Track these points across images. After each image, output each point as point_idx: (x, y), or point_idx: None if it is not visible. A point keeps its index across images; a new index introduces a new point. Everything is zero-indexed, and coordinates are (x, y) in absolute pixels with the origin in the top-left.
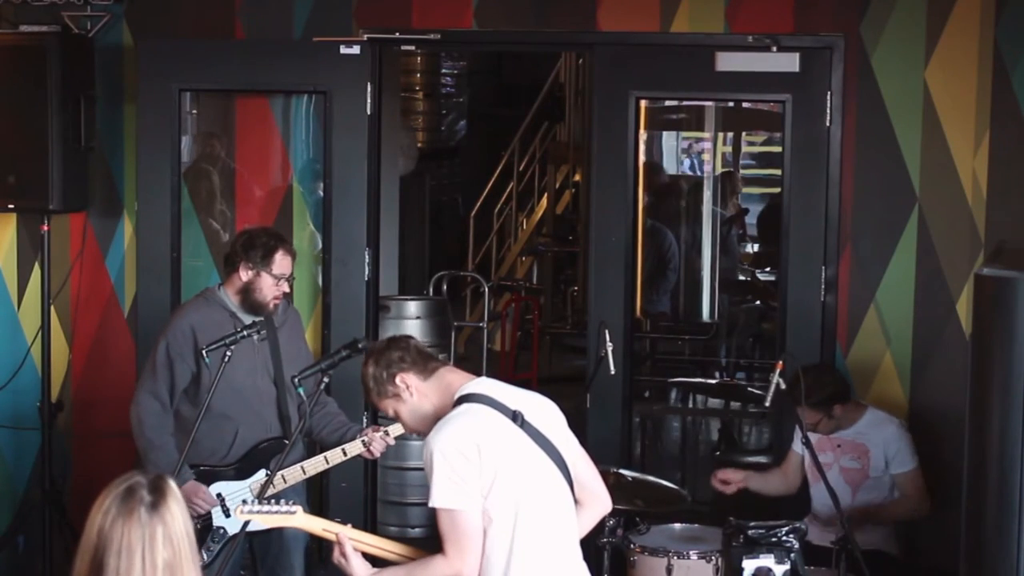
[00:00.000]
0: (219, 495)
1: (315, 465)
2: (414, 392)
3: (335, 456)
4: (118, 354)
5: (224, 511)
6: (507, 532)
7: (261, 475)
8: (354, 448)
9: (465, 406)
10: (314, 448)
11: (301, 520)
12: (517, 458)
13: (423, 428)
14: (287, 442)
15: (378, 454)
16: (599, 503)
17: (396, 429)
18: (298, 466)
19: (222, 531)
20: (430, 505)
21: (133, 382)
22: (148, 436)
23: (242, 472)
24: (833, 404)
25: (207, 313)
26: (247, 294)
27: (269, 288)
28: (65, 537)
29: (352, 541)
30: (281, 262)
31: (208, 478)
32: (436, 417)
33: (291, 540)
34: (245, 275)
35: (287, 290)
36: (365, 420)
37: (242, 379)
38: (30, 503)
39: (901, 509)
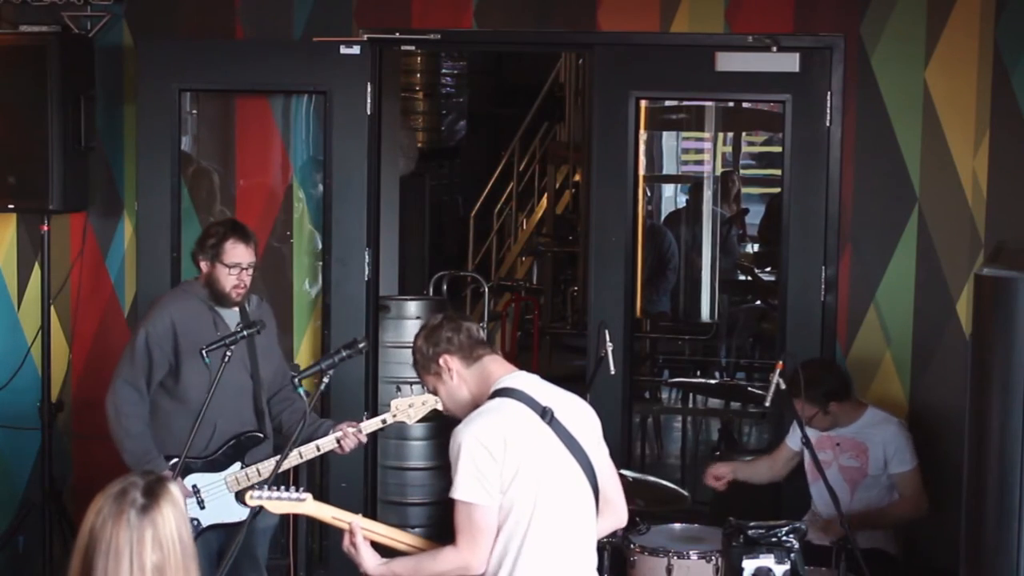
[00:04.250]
0: (194, 487)
1: (289, 460)
2: (455, 376)
3: (309, 450)
4: (118, 354)
5: (199, 502)
6: (522, 526)
7: (236, 468)
8: (327, 444)
9: (498, 400)
10: (284, 442)
11: (311, 508)
12: (541, 455)
13: (458, 411)
14: (261, 435)
15: (348, 450)
16: (615, 515)
17: (369, 426)
18: (272, 460)
19: (195, 522)
20: (450, 496)
21: None
22: (124, 425)
23: (217, 464)
24: (830, 400)
25: (186, 304)
26: (211, 287)
27: (225, 278)
28: (65, 537)
29: (364, 531)
30: (232, 251)
31: (183, 470)
32: (472, 403)
33: (257, 534)
34: (204, 268)
35: (246, 279)
36: (365, 418)
37: (222, 374)
38: (30, 503)
39: (899, 511)
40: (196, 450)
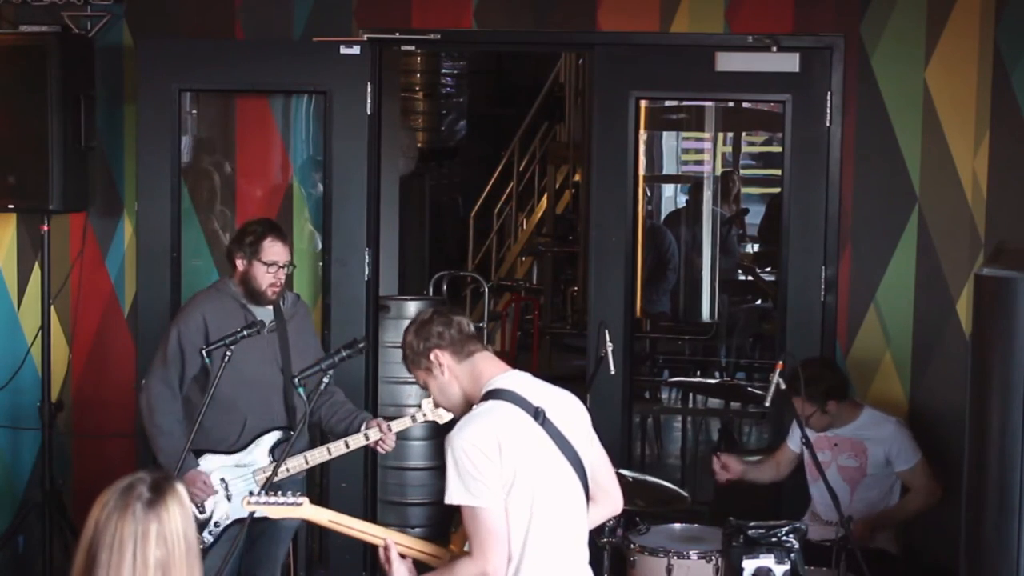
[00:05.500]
0: (222, 480)
1: (318, 456)
2: (446, 371)
3: (338, 448)
4: (118, 354)
5: (227, 496)
6: (521, 530)
7: (265, 462)
8: (356, 441)
9: (490, 403)
10: (321, 436)
11: (308, 511)
12: (535, 457)
13: (449, 407)
14: (292, 432)
15: (390, 448)
16: (611, 502)
17: (398, 425)
18: (301, 456)
19: (224, 516)
20: (451, 502)
21: (133, 382)
22: (158, 422)
23: (246, 459)
24: (828, 399)
25: (219, 303)
26: (246, 284)
27: (263, 276)
28: (65, 537)
29: (397, 546)
30: (270, 249)
31: (212, 464)
32: (463, 400)
33: (282, 531)
34: (240, 265)
35: (282, 277)
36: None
37: (252, 369)
38: (30, 503)
39: (912, 505)
40: (226, 445)
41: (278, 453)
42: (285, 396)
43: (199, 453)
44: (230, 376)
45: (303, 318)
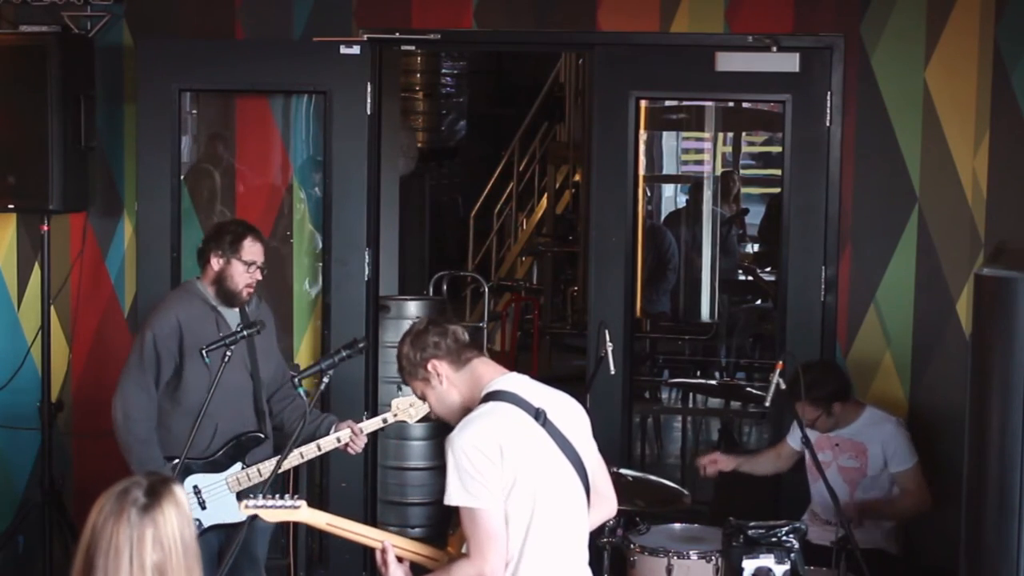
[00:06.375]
0: (195, 487)
1: (290, 460)
2: (444, 381)
3: (310, 451)
4: (118, 354)
5: (200, 503)
6: (521, 531)
7: (237, 468)
8: (328, 443)
9: (491, 404)
10: (285, 441)
11: (305, 515)
12: (536, 458)
13: (448, 416)
14: (262, 435)
15: (359, 450)
16: (606, 506)
17: (369, 426)
18: (273, 460)
19: (197, 523)
20: (450, 503)
21: None
22: (135, 431)
23: (218, 465)
24: (834, 402)
25: (190, 306)
26: (220, 284)
27: (240, 276)
28: (65, 537)
29: (395, 548)
30: (250, 249)
31: (185, 471)
32: (463, 407)
33: (256, 531)
34: (216, 264)
35: (259, 278)
36: (365, 418)
37: (223, 374)
38: (30, 503)
39: (902, 506)
40: (197, 451)
41: (249, 459)
42: (255, 400)
43: (168, 459)
44: (199, 383)
45: (266, 320)
